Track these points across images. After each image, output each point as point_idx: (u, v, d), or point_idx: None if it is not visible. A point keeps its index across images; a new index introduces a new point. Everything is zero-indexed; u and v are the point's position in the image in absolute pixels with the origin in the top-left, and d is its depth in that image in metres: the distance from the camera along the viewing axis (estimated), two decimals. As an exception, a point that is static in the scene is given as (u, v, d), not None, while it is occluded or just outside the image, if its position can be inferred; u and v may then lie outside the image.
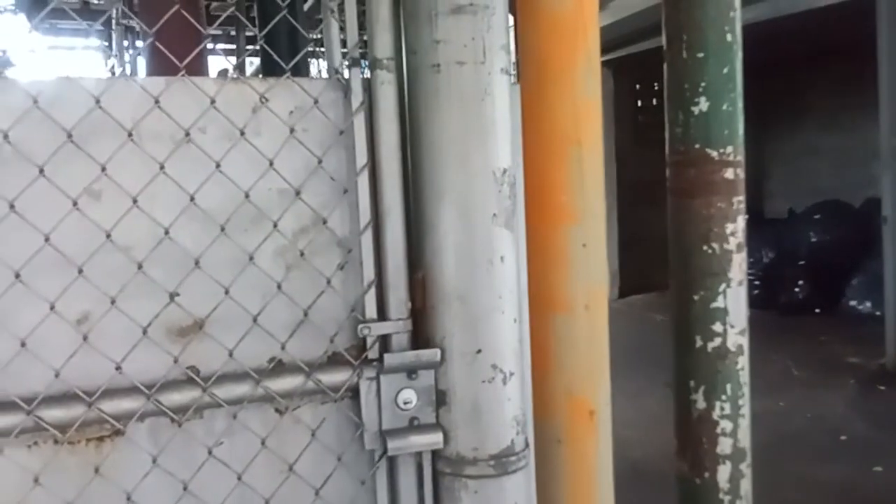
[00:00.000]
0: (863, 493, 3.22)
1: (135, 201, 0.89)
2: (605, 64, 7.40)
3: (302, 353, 0.98)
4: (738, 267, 0.78)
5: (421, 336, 1.04)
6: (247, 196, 0.95)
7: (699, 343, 0.78)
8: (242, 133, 0.95)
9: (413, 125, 1.07)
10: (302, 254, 0.98)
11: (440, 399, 1.02)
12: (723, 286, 0.77)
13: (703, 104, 0.77)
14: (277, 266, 0.98)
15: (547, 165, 0.71)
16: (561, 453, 0.73)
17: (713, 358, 0.78)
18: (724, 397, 0.78)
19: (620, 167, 7.51)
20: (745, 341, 0.80)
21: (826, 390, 4.51)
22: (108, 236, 0.88)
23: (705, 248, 0.77)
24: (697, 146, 0.77)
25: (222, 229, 0.93)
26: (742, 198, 0.79)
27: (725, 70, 0.77)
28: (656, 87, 8.15)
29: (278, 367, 0.97)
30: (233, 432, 0.94)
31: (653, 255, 7.66)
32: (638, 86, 8.05)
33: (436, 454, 1.03)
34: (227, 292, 0.92)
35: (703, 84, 0.77)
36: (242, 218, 0.97)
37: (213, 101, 0.93)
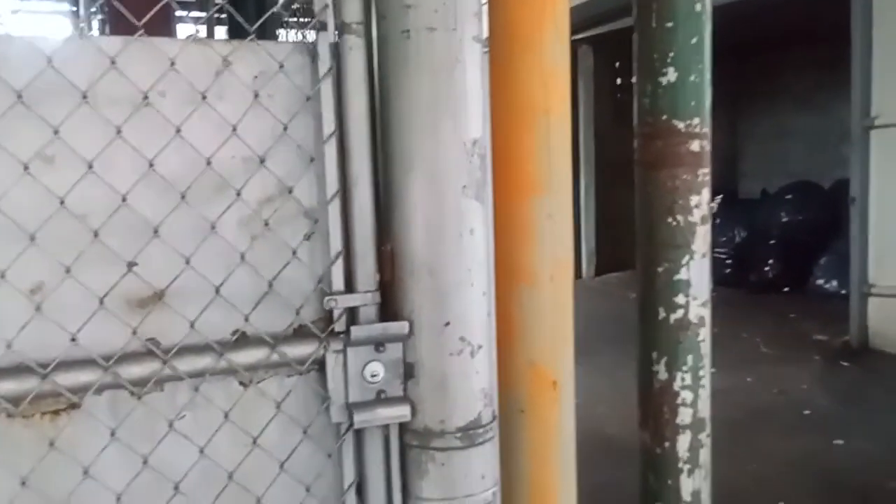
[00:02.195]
0: (822, 465, 3.32)
1: (90, 166, 0.86)
2: (585, 41, 7.37)
3: (267, 326, 0.96)
4: (702, 239, 0.78)
5: (389, 309, 1.03)
6: (208, 163, 0.92)
7: (662, 314, 0.79)
8: (204, 97, 0.92)
9: (383, 93, 1.05)
10: (267, 224, 0.96)
11: (408, 372, 1.02)
12: (686, 258, 0.77)
13: (671, 75, 0.76)
14: (242, 236, 0.96)
15: (514, 135, 0.70)
16: (524, 423, 0.73)
17: (675, 329, 0.78)
18: (685, 368, 0.78)
19: (599, 145, 7.53)
20: (707, 313, 0.80)
21: (792, 366, 4.61)
22: (62, 203, 0.85)
23: (669, 220, 0.77)
24: (664, 117, 0.77)
25: (182, 197, 0.91)
26: (707, 170, 0.78)
27: (694, 40, 0.76)
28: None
29: (242, 340, 0.95)
30: (195, 405, 0.92)
31: (630, 234, 7.76)
32: (618, 63, 8.04)
33: (403, 427, 1.03)
34: (187, 262, 0.90)
35: (671, 54, 0.76)
36: (205, 186, 0.94)
37: (172, 63, 0.90)
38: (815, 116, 7.44)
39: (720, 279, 6.96)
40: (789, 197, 6.74)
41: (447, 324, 1.00)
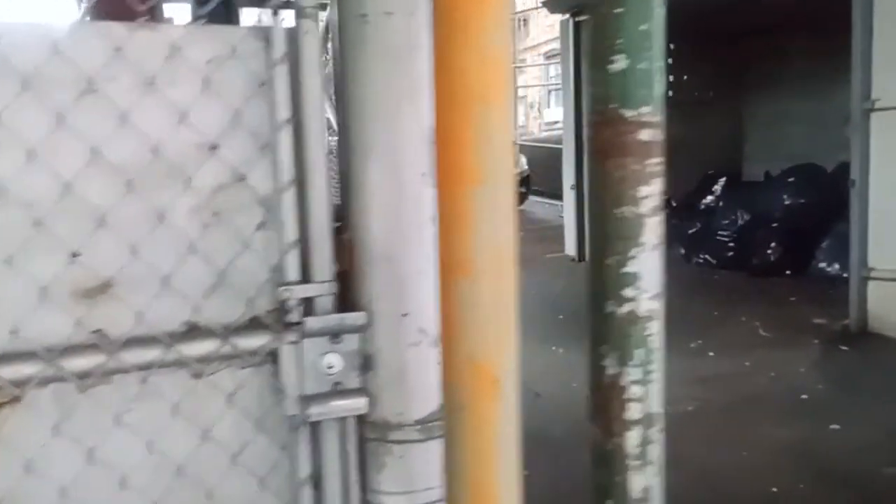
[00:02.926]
0: (817, 451, 3.30)
1: (33, 153, 0.85)
2: (580, 25, 7.28)
3: (220, 316, 0.95)
4: (653, 231, 0.76)
5: (348, 299, 1.02)
6: (155, 150, 0.91)
7: (610, 308, 0.77)
8: (152, 83, 0.90)
9: (341, 78, 1.03)
10: (219, 212, 0.95)
11: (366, 363, 1.01)
12: (634, 250, 0.75)
13: (620, 62, 0.73)
14: (193, 225, 0.95)
15: (453, 123, 0.68)
16: (464, 420, 0.71)
17: (624, 323, 0.77)
18: (633, 363, 0.77)
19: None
20: (658, 306, 0.78)
21: (790, 350, 4.58)
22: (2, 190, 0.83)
23: (617, 211, 0.75)
24: (612, 106, 0.74)
25: (129, 184, 0.89)
26: (659, 160, 0.76)
27: (643, 27, 0.73)
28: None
29: (193, 331, 0.94)
30: (145, 398, 0.91)
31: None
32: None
33: (361, 419, 1.02)
34: (133, 252, 0.89)
35: (619, 41, 0.73)
36: (157, 173, 0.93)
37: (118, 49, 0.88)
38: (819, 99, 7.34)
39: (723, 262, 6.92)
40: (792, 180, 6.66)
41: (405, 314, 0.99)
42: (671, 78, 8.22)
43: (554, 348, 4.93)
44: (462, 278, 0.70)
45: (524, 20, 19.80)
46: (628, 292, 0.77)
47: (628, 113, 0.74)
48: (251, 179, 0.97)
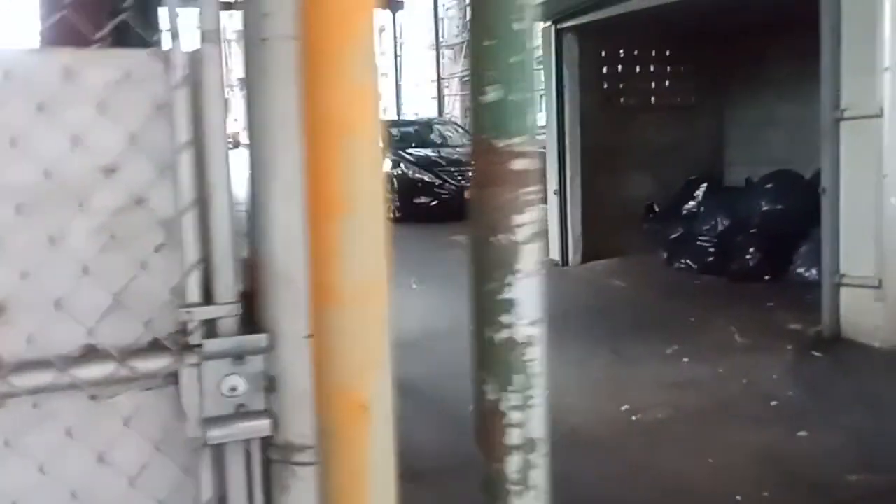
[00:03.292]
0: (783, 457, 3.32)
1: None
2: (570, 30, 7.30)
3: (118, 339, 0.95)
4: (530, 258, 0.76)
5: (252, 320, 1.02)
6: (48, 173, 0.91)
7: (488, 334, 0.77)
8: (45, 106, 0.91)
9: (247, 101, 1.04)
10: (116, 235, 0.95)
11: (269, 385, 1.00)
12: (510, 278, 0.76)
13: (492, 93, 0.74)
14: (90, 247, 0.95)
15: (320, 153, 0.69)
16: (334, 447, 0.72)
17: (501, 349, 0.77)
18: (511, 389, 0.77)
19: (584, 134, 7.49)
20: (536, 332, 0.78)
21: (764, 356, 4.61)
22: None
23: (492, 239, 0.75)
24: (486, 136, 0.75)
25: (20, 207, 0.89)
26: (535, 189, 0.77)
27: (515, 59, 0.74)
28: (622, 54, 8.07)
29: (90, 354, 0.94)
30: (40, 422, 0.91)
31: (615, 221, 7.74)
32: (603, 52, 7.97)
33: (266, 441, 1.02)
34: (24, 276, 0.89)
35: (491, 73, 0.74)
36: (51, 196, 0.93)
37: (7, 73, 0.88)
38: (802, 104, 7.37)
39: (703, 267, 6.95)
40: (770, 186, 6.70)
41: (308, 336, 0.99)
42: (653, 84, 8.26)
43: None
44: (329, 306, 0.70)
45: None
46: (505, 319, 0.77)
47: (501, 143, 0.75)
48: (151, 202, 0.97)
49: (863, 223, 4.53)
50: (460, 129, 14.36)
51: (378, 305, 0.69)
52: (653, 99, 8.35)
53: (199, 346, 0.98)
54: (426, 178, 11.29)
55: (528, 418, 0.78)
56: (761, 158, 7.72)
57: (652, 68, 8.30)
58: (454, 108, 23.94)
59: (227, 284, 0.99)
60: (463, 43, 23.08)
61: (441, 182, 11.16)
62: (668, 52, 8.27)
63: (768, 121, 7.84)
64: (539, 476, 0.80)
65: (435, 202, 10.99)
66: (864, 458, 3.24)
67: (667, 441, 3.54)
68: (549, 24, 7.41)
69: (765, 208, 6.54)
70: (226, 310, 0.99)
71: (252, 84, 1.01)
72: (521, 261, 0.76)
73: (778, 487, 3.08)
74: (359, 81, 0.67)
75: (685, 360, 4.67)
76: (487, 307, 0.77)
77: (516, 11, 0.72)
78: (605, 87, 8.00)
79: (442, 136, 13.37)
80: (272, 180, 0.98)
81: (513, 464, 0.79)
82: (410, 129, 13.89)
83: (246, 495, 1.01)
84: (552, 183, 7.69)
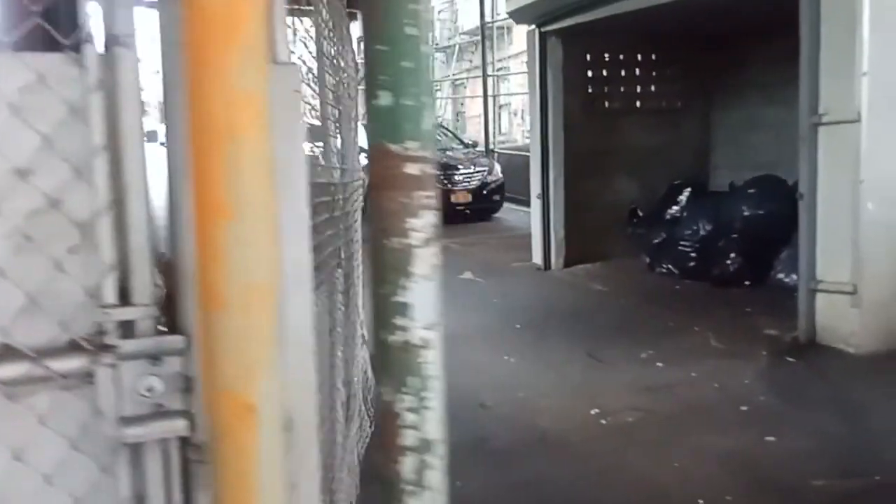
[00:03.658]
0: (750, 463, 3.34)
1: None
2: (554, 33, 7.33)
3: (37, 339, 0.96)
4: (425, 262, 0.78)
5: (171, 321, 1.03)
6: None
7: (384, 336, 0.79)
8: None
9: (164, 104, 1.05)
10: (31, 237, 0.96)
11: (187, 385, 1.02)
12: (405, 281, 0.77)
13: (384, 98, 0.75)
14: (6, 249, 0.96)
15: (204, 160, 0.70)
16: (220, 449, 0.73)
17: (396, 351, 0.78)
18: (405, 390, 0.78)
19: (568, 136, 7.51)
20: (432, 335, 0.80)
21: (738, 361, 4.63)
22: None
23: (387, 242, 0.77)
24: (380, 141, 0.76)
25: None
26: (428, 193, 0.78)
27: (407, 64, 0.75)
28: (606, 58, 8.11)
29: (6, 353, 0.95)
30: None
31: (599, 225, 7.76)
32: (588, 55, 8.01)
33: (185, 441, 1.03)
34: (-66, 277, 0.90)
35: (383, 77, 0.75)
36: (-32, 198, 0.93)
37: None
38: (787, 109, 7.43)
39: (685, 272, 6.98)
40: (752, 191, 6.73)
41: (225, 337, 1.00)
42: (638, 88, 8.30)
43: (506, 358, 4.96)
44: (214, 310, 0.71)
45: (508, 28, 19.92)
46: (400, 321, 0.78)
47: (394, 147, 0.76)
48: (67, 204, 0.97)
49: (839, 229, 4.56)
50: (449, 133, 14.39)
51: (264, 310, 0.70)
52: (638, 103, 8.38)
53: (115, 346, 0.99)
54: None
55: (424, 420, 0.80)
56: (748, 163, 7.76)
57: (637, 72, 8.34)
58: (446, 112, 23.98)
59: (144, 286, 1.00)
60: (456, 46, 23.11)
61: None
62: (653, 56, 8.30)
63: (754, 125, 7.88)
64: (435, 477, 0.81)
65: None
66: (831, 463, 3.27)
67: (634, 445, 3.56)
68: (532, 27, 7.44)
69: (746, 213, 6.58)
70: (142, 311, 1.00)
71: (167, 87, 1.02)
72: (415, 264, 0.77)
73: (742, 492, 3.10)
74: (242, 87, 0.68)
75: (659, 364, 4.69)
76: (383, 309, 0.78)
77: (409, 17, 0.73)
78: (590, 90, 8.03)
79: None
80: (185, 182, 1.00)
81: (408, 464, 0.80)
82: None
83: (164, 494, 1.02)
84: (535, 187, 7.71)
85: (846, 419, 3.70)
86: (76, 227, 0.98)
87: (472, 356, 4.88)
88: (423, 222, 0.77)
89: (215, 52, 0.69)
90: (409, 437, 0.79)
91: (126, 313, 0.99)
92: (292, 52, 1.41)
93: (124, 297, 1.00)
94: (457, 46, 23.10)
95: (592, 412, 3.93)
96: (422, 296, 0.77)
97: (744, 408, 3.95)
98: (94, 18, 0.97)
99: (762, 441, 3.54)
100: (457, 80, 24.04)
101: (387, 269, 0.77)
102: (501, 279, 7.50)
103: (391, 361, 0.79)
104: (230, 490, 0.74)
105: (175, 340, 0.99)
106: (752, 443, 3.52)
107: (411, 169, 0.76)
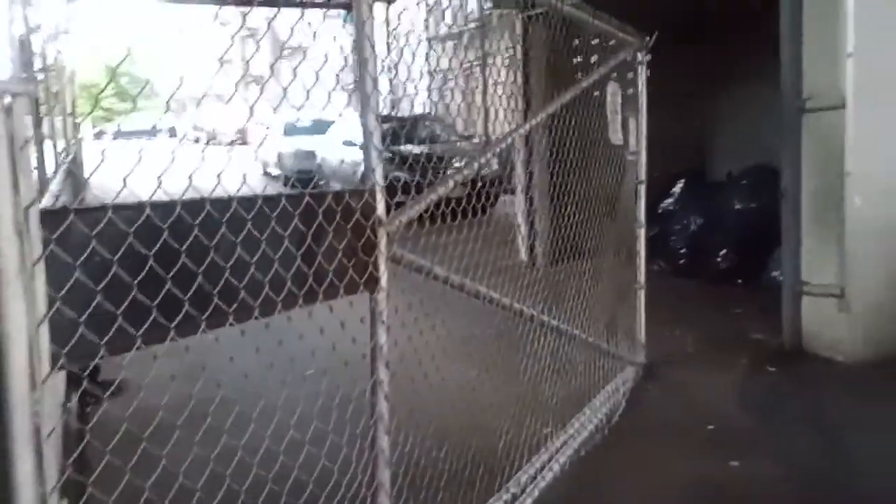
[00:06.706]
0: (706, 492, 2.98)
1: None
2: (538, 17, 6.92)
3: None
4: None
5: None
6: None
7: None
8: None
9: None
10: None
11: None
12: None
13: None
14: None
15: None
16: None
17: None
18: None
19: (553, 126, 7.11)
20: None
21: (714, 372, 4.25)
22: None
23: None
24: None
25: None
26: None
27: None
28: (593, 60, 7.65)
29: None
30: None
31: (587, 220, 7.34)
32: (576, 42, 7.58)
33: None
34: None
35: None
36: None
37: None
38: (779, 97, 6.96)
39: (676, 270, 6.56)
40: (745, 182, 6.29)
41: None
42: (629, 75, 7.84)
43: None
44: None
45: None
46: None
47: None
48: None
49: (826, 227, 4.14)
50: (449, 125, 14.00)
51: None
52: (630, 90, 7.93)
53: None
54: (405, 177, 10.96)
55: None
56: (746, 151, 7.30)
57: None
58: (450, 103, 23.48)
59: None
60: (465, 34, 22.60)
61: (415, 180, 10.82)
62: (654, 44, 7.84)
63: (751, 114, 7.41)
64: None
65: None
66: (795, 496, 2.89)
67: (589, 459, 3.22)
68: (515, 11, 7.05)
69: (738, 207, 6.14)
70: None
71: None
72: None
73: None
74: None
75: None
76: None
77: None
78: (579, 78, 7.60)
79: (431, 132, 13.03)
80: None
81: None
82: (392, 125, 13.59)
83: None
84: (520, 180, 7.34)
85: (821, 442, 3.31)
86: None
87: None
88: None
89: None
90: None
91: None
92: None
93: None
94: (465, 34, 22.60)
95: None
96: None
97: (710, 427, 3.57)
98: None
99: (726, 465, 3.17)
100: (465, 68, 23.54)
101: None
102: (483, 278, 7.14)
103: None
104: None
105: None
106: (714, 468, 3.15)
107: None
